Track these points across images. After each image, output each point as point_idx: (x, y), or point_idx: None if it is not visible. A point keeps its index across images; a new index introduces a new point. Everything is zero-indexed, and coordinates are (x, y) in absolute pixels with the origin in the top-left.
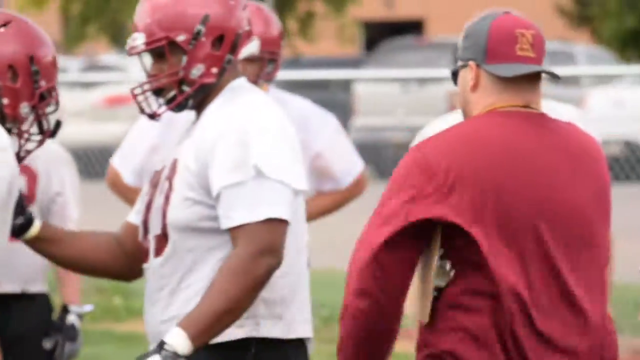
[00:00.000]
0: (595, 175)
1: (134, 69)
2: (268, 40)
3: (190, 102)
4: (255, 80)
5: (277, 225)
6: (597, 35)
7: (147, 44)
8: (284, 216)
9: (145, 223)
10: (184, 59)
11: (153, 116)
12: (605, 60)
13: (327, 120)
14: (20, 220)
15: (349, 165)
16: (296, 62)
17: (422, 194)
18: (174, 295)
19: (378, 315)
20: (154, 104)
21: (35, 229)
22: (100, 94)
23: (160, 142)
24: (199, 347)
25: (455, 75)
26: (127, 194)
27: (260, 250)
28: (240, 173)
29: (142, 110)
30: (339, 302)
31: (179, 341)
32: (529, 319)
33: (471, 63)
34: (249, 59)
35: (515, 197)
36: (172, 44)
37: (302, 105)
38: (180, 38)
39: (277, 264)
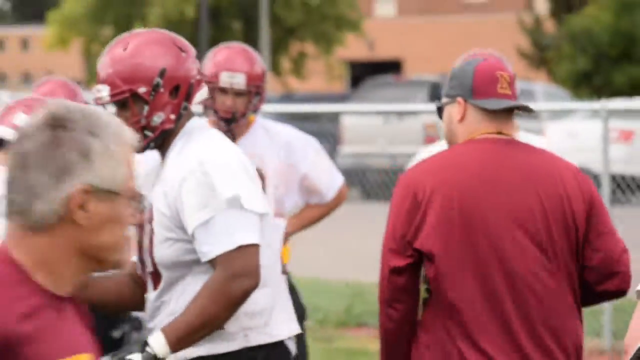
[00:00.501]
0: (554, 191)
1: None
2: (253, 76)
3: (152, 144)
4: (244, 112)
5: (249, 249)
6: (553, 76)
7: (112, 95)
8: (254, 241)
9: (141, 260)
10: (146, 108)
11: None
12: (561, 97)
13: (309, 143)
14: None
15: (331, 181)
16: (289, 97)
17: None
18: (169, 316)
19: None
20: None
21: None
22: None
23: None
24: (176, 352)
25: (440, 110)
26: None
27: (235, 274)
28: (208, 211)
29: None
30: (330, 306)
31: (160, 344)
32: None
33: (459, 99)
34: (238, 93)
35: (478, 207)
36: (135, 95)
37: (286, 131)
38: (142, 90)
39: (253, 284)
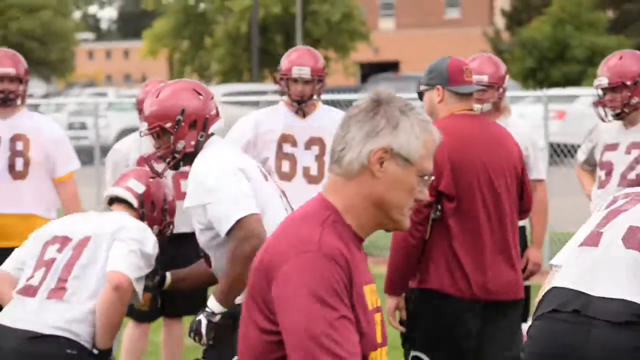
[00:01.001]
0: (510, 153)
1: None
2: (316, 69)
3: (180, 163)
4: (310, 95)
5: (249, 218)
6: (509, 73)
7: (149, 129)
8: (250, 211)
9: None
10: (172, 138)
11: (159, 174)
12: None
13: None
14: (157, 278)
15: None
16: None
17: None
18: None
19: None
20: (160, 166)
21: (169, 280)
22: None
23: (254, 135)
24: (227, 306)
25: (420, 94)
26: None
27: (243, 238)
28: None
29: (152, 170)
30: None
31: (213, 303)
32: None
33: (438, 86)
34: (306, 81)
35: (467, 163)
36: (163, 129)
37: (339, 113)
38: (167, 125)
39: (260, 242)
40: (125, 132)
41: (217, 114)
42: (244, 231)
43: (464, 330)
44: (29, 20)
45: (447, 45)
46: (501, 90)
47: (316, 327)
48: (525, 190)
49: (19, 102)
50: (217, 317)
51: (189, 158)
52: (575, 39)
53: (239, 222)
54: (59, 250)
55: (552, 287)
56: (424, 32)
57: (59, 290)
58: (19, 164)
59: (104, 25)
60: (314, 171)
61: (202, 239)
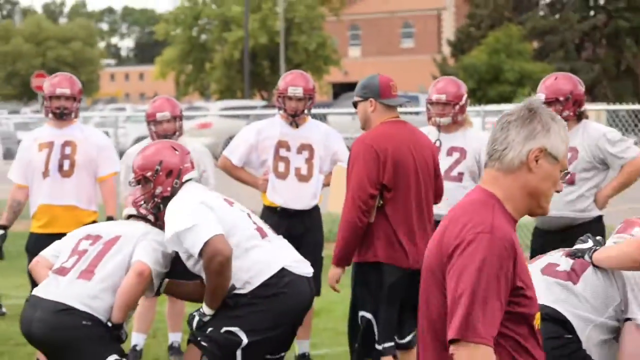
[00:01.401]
0: (429, 151)
1: (212, 109)
2: (307, 89)
3: (160, 205)
4: (302, 110)
5: (214, 238)
6: None
7: (134, 179)
8: (213, 233)
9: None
10: (151, 184)
11: (145, 217)
12: None
13: (336, 134)
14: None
15: (346, 158)
16: None
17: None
18: None
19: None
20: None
21: (165, 282)
22: (195, 122)
23: (255, 141)
24: (214, 309)
25: (355, 104)
26: (232, 171)
27: (211, 255)
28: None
29: (138, 212)
30: None
31: (205, 307)
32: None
33: (371, 99)
34: (298, 99)
35: (403, 160)
36: (145, 178)
37: (325, 126)
38: (148, 174)
39: (225, 257)
40: (139, 140)
41: (192, 166)
42: (209, 251)
43: (401, 292)
44: (63, 50)
45: (403, 69)
46: (458, 107)
47: (478, 294)
48: (437, 180)
49: (72, 116)
50: (207, 318)
51: (166, 201)
52: (507, 65)
53: (206, 243)
54: (92, 244)
55: None
56: (385, 59)
57: (87, 273)
58: (66, 164)
59: (123, 53)
60: (304, 171)
61: (189, 265)
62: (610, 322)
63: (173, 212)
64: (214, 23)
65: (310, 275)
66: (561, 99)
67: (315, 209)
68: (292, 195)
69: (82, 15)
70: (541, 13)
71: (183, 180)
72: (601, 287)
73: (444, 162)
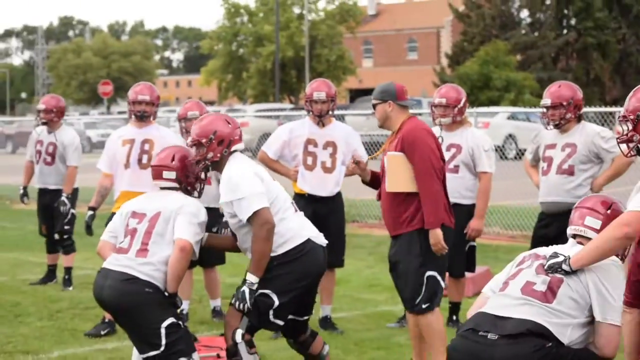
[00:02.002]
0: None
1: (248, 110)
2: (329, 93)
3: (210, 167)
4: (327, 111)
5: (263, 210)
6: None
7: (191, 142)
8: (263, 205)
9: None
10: (204, 149)
11: (198, 177)
12: None
13: (356, 133)
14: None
15: (364, 154)
16: None
17: None
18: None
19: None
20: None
21: (205, 237)
22: None
23: (288, 138)
24: (259, 276)
25: (374, 106)
26: (269, 163)
27: (260, 224)
28: (234, 196)
29: (192, 173)
30: None
31: (250, 276)
32: None
33: (390, 101)
34: (323, 102)
35: (438, 143)
36: (199, 143)
37: (347, 126)
38: (203, 140)
39: (272, 226)
40: None
41: (241, 137)
42: (260, 219)
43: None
44: (125, 62)
45: (408, 78)
46: (457, 109)
47: None
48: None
49: (151, 118)
50: (255, 286)
51: (215, 165)
52: (495, 74)
53: (256, 212)
54: (139, 223)
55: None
56: (393, 68)
57: (142, 251)
58: (145, 158)
59: (174, 65)
60: (328, 164)
61: (231, 223)
62: (590, 319)
63: (229, 179)
64: (250, 39)
65: (325, 245)
66: (564, 103)
67: (338, 195)
68: (318, 184)
69: (140, 33)
70: (523, 31)
71: (232, 150)
72: (577, 296)
73: (445, 156)
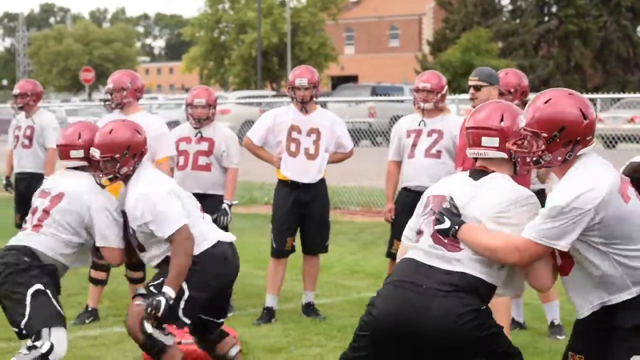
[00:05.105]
0: None
1: (230, 98)
2: (312, 80)
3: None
4: (310, 98)
5: (183, 228)
6: None
7: (102, 158)
8: (183, 223)
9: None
10: (119, 165)
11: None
12: None
13: (341, 121)
14: None
15: (349, 141)
16: None
17: None
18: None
19: None
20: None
21: None
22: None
23: (272, 124)
24: (176, 290)
25: (477, 88)
26: (254, 149)
27: (182, 241)
28: (153, 215)
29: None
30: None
31: (168, 289)
32: None
33: (496, 85)
34: (305, 88)
35: None
36: (112, 159)
37: (330, 113)
38: (117, 156)
39: (193, 242)
40: (169, 124)
41: (145, 150)
42: (181, 236)
43: None
44: (106, 49)
45: (390, 65)
46: (440, 95)
47: None
48: None
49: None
50: (172, 301)
51: (127, 178)
52: (477, 61)
53: (178, 230)
54: (42, 201)
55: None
56: (374, 55)
57: (37, 227)
58: None
59: (156, 52)
60: (311, 151)
61: (141, 238)
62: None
63: (146, 197)
64: (232, 26)
65: (233, 241)
66: (511, 90)
67: (321, 181)
68: (300, 171)
69: (122, 20)
70: (504, 18)
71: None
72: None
73: (426, 142)
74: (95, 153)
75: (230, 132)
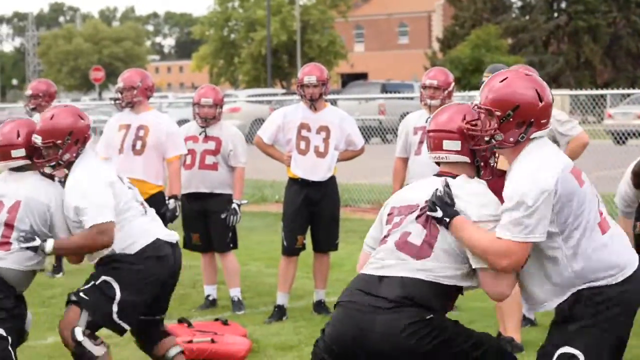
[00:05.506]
0: None
1: (240, 96)
2: (321, 77)
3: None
4: (319, 96)
5: (107, 224)
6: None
7: (44, 144)
8: (108, 219)
9: None
10: (61, 151)
11: (51, 176)
12: None
13: (351, 118)
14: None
15: (360, 139)
16: None
17: None
18: None
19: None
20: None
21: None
22: (226, 107)
23: (282, 123)
24: (55, 253)
25: None
26: (264, 147)
27: (97, 234)
28: (82, 203)
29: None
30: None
31: (49, 245)
32: None
33: None
34: (314, 86)
35: None
36: (54, 145)
37: (340, 111)
38: (58, 142)
39: (108, 241)
40: (179, 123)
41: (88, 133)
42: (100, 229)
43: None
44: (116, 48)
45: (399, 62)
46: (446, 92)
47: None
48: None
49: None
50: (47, 250)
51: (70, 165)
52: (486, 58)
53: (98, 224)
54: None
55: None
56: (384, 53)
57: (3, 245)
58: (139, 145)
59: (166, 50)
60: (321, 149)
61: (70, 223)
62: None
63: (79, 182)
64: (241, 24)
65: (176, 242)
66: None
67: (332, 179)
68: (310, 168)
69: (131, 19)
70: (514, 15)
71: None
72: (455, 248)
73: None
74: (37, 139)
75: (237, 131)
